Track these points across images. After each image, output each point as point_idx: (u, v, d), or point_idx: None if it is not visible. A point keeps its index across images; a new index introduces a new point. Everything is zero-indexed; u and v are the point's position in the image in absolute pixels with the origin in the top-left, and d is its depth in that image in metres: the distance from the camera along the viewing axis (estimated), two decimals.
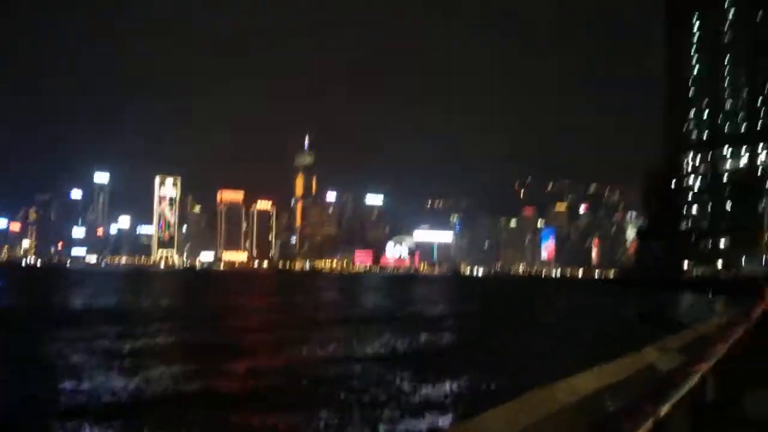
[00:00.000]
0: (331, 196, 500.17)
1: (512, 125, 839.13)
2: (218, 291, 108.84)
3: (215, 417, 17.40)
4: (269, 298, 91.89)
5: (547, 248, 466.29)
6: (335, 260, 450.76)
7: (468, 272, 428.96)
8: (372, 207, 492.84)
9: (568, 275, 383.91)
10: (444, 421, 16.97)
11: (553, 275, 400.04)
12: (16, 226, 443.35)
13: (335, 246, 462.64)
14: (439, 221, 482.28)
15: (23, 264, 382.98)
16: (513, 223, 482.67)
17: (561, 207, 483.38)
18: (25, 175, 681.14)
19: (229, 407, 18.39)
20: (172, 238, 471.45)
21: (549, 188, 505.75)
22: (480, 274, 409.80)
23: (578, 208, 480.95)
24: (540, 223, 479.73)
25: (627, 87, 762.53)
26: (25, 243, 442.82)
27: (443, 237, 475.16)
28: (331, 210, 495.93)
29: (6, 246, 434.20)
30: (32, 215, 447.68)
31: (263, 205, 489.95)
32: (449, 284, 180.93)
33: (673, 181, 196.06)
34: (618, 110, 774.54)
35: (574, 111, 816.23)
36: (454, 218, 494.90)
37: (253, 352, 31.50)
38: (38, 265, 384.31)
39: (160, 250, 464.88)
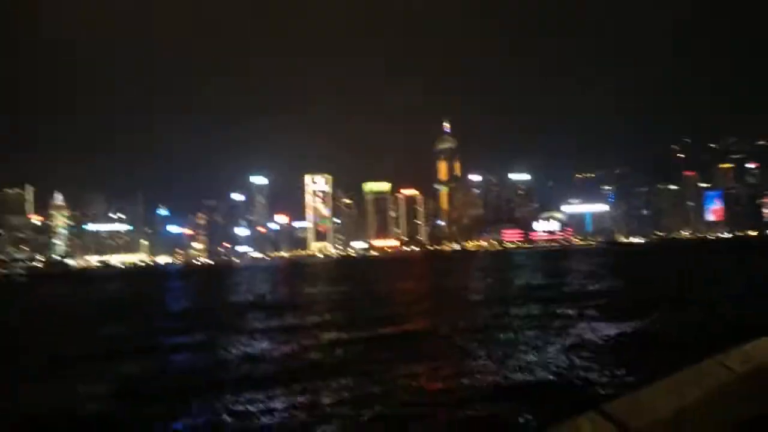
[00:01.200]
0: (474, 177, 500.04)
1: (664, 85, 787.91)
2: (377, 275, 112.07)
3: None
4: (425, 281, 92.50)
5: (713, 210, 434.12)
6: (484, 240, 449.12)
7: (625, 241, 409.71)
8: (517, 185, 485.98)
9: (739, 237, 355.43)
10: None
11: (721, 237, 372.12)
12: (188, 231, 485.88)
13: (483, 226, 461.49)
14: (589, 193, 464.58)
15: (198, 263, 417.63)
16: (672, 187, 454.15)
17: (726, 166, 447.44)
18: (192, 184, 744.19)
19: None
20: (326, 230, 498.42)
21: (712, 147, 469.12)
22: (639, 242, 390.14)
23: (745, 166, 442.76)
24: (703, 185, 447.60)
25: None
26: (198, 245, 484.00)
27: (596, 208, 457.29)
28: (476, 191, 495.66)
29: (180, 250, 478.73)
30: (201, 220, 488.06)
31: (409, 192, 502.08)
32: (606, 256, 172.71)
33: None
34: None
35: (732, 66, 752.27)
36: (607, 189, 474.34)
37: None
38: (211, 263, 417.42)
39: (316, 243, 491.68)
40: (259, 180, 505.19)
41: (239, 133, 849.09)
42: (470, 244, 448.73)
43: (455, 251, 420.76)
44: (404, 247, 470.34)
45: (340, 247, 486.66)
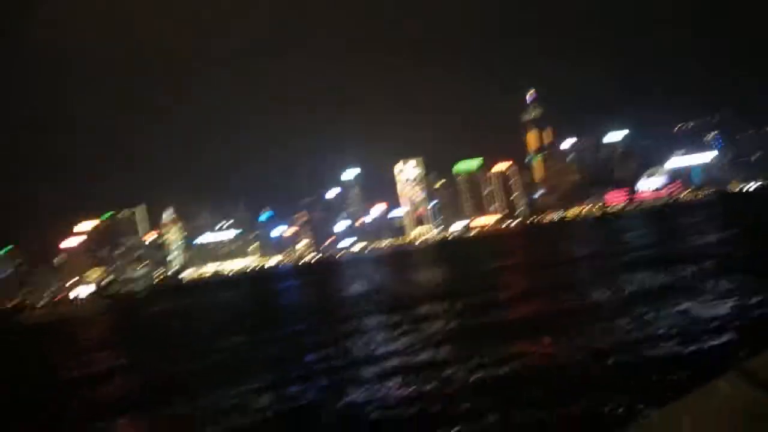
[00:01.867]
0: (567, 143, 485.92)
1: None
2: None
3: None
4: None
5: None
6: (586, 206, 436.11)
7: (739, 190, 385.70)
8: (614, 145, 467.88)
9: None
10: None
11: None
12: (291, 231, 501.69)
13: (583, 191, 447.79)
14: (693, 144, 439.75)
15: (306, 261, 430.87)
16: None
17: None
18: (290, 184, 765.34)
19: None
20: (423, 215, 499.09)
21: None
22: (753, 189, 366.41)
23: None
24: None
25: None
26: (302, 244, 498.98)
27: (702, 159, 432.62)
28: (570, 157, 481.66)
29: (287, 250, 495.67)
30: (302, 218, 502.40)
31: (501, 166, 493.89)
32: (717, 208, 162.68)
33: None
34: None
35: None
36: (711, 137, 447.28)
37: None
38: (316, 260, 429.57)
39: (415, 229, 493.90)
40: (351, 173, 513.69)
41: (329, 129, 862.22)
42: (571, 212, 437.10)
43: (556, 221, 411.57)
44: (503, 224, 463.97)
45: (439, 230, 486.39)
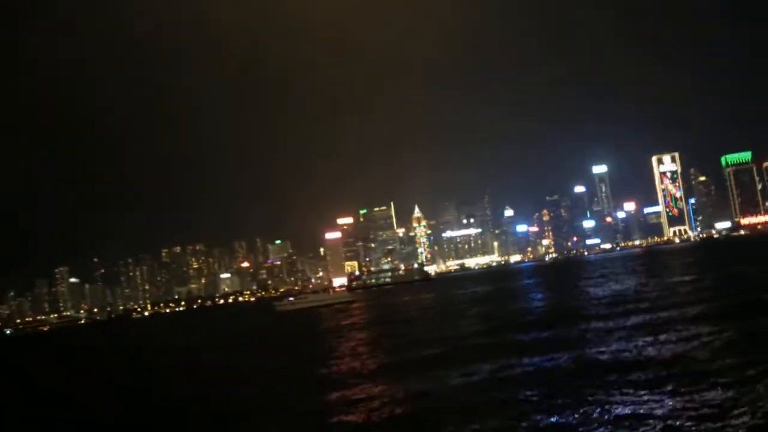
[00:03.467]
0: None
1: None
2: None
3: None
4: None
5: None
6: None
7: None
8: None
9: None
10: None
11: None
12: (534, 229, 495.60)
13: None
14: None
15: (548, 260, 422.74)
16: None
17: None
18: (534, 182, 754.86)
19: None
20: (681, 212, 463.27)
21: None
22: None
23: None
24: None
25: None
26: (545, 242, 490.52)
27: None
28: None
29: (528, 248, 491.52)
30: (545, 216, 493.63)
31: None
32: None
33: None
34: None
35: None
36: None
37: None
38: (561, 258, 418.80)
39: (671, 227, 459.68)
40: (600, 169, 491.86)
41: (578, 124, 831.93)
42: None
43: None
44: None
45: (700, 230, 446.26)
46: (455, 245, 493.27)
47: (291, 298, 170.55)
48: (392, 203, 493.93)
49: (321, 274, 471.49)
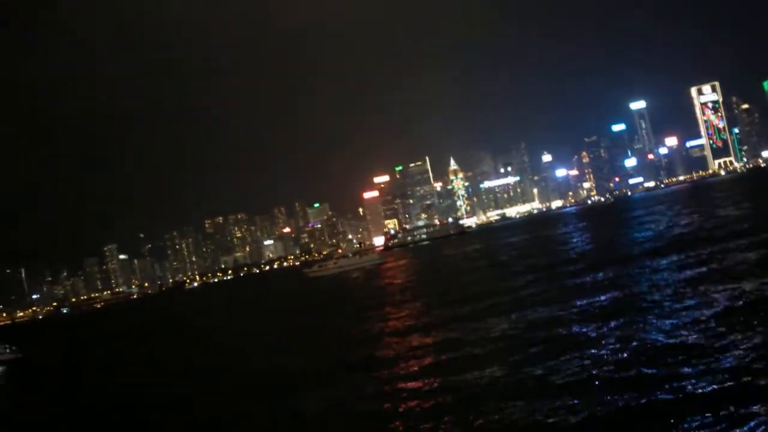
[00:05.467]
0: None
1: None
2: None
3: None
4: None
5: None
6: None
7: None
8: None
9: None
10: None
11: None
12: (574, 172, 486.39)
13: None
14: None
15: (591, 203, 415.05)
16: None
17: None
18: (570, 123, 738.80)
19: None
20: (725, 143, 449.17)
21: None
22: None
23: None
24: None
25: None
26: (586, 185, 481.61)
27: None
28: None
29: (569, 192, 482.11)
30: (585, 158, 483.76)
31: None
32: None
33: None
34: None
35: None
36: None
37: None
38: (606, 200, 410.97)
39: (717, 160, 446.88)
40: (638, 105, 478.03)
41: (613, 60, 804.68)
42: None
43: None
44: None
45: (746, 160, 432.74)
46: (494, 195, 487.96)
47: (322, 264, 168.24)
48: (427, 158, 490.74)
49: (361, 234, 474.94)
